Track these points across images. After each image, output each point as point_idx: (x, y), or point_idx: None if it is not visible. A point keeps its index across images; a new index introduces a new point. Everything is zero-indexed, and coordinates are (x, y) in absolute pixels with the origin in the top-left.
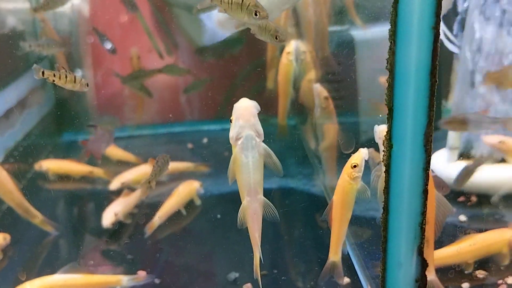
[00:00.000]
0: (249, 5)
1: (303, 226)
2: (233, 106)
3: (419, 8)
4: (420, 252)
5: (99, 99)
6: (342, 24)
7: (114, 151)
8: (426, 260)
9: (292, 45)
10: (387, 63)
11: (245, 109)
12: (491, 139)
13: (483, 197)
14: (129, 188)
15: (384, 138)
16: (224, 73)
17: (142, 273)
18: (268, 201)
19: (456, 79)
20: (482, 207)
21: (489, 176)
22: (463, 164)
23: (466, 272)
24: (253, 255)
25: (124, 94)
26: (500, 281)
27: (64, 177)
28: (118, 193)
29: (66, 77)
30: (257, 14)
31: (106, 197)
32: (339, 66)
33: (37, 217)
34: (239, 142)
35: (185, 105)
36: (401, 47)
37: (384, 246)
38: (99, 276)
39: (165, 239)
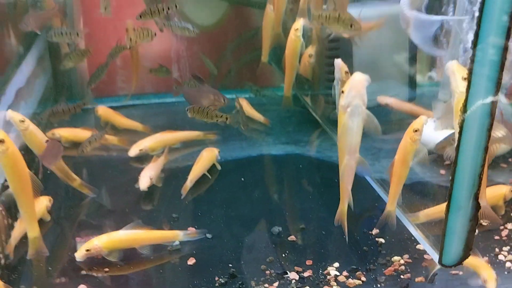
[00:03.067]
0: (345, 19)
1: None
2: (226, 76)
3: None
4: (476, 197)
5: (92, 70)
6: None
7: (121, 120)
8: (479, 204)
9: (300, 22)
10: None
11: (358, 82)
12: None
13: None
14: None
15: (461, 105)
16: (215, 45)
17: (193, 229)
18: (363, 158)
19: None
20: None
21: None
22: (447, 132)
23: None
24: (287, 212)
25: (117, 65)
26: (501, 227)
27: (78, 144)
28: (137, 159)
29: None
30: (352, 26)
31: (126, 163)
32: (338, 42)
33: (76, 180)
34: (349, 109)
35: (177, 77)
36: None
37: (450, 192)
38: (159, 232)
39: (199, 200)
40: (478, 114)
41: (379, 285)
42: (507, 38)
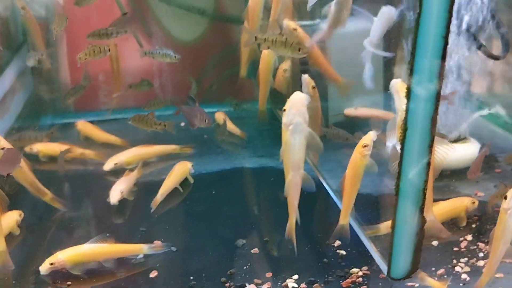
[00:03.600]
0: (292, 43)
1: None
2: (206, 92)
3: (435, 22)
4: (421, 211)
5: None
6: (313, 18)
7: (100, 134)
8: (425, 218)
9: None
10: (408, 64)
11: (298, 101)
12: None
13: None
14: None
15: (401, 122)
16: (197, 61)
17: (159, 242)
18: (308, 174)
19: None
20: (439, 180)
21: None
22: None
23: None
24: (253, 225)
25: (99, 79)
26: (461, 239)
27: (55, 159)
28: (112, 173)
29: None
30: (300, 50)
31: (102, 177)
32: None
33: (47, 195)
34: (291, 127)
35: (160, 91)
36: (420, 53)
37: (395, 207)
38: (124, 245)
39: (169, 213)
40: (418, 130)
41: None
42: (443, 59)
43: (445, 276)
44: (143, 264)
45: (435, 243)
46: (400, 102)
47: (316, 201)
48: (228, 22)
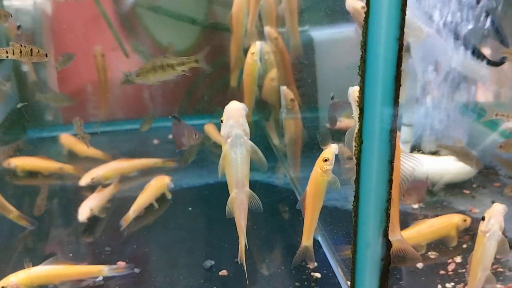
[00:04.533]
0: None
1: (272, 215)
2: (195, 103)
3: (386, 22)
4: (386, 234)
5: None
6: (302, 25)
7: (82, 148)
8: (390, 242)
9: (257, 46)
10: (359, 69)
11: (235, 111)
12: None
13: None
14: (102, 184)
15: (355, 135)
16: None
17: (121, 264)
18: (254, 193)
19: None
20: (432, 195)
21: (434, 167)
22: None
23: (419, 253)
24: (226, 245)
25: (86, 91)
26: (449, 260)
27: (33, 174)
28: (88, 188)
29: (20, 51)
30: None
31: (77, 192)
32: (300, 65)
33: (12, 212)
34: (229, 140)
35: (149, 102)
36: (370, 55)
37: (355, 229)
38: (81, 267)
39: (140, 231)
40: (376, 144)
41: None
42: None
43: None
44: (102, 287)
45: (419, 265)
46: (356, 111)
47: (295, 219)
48: (219, 30)
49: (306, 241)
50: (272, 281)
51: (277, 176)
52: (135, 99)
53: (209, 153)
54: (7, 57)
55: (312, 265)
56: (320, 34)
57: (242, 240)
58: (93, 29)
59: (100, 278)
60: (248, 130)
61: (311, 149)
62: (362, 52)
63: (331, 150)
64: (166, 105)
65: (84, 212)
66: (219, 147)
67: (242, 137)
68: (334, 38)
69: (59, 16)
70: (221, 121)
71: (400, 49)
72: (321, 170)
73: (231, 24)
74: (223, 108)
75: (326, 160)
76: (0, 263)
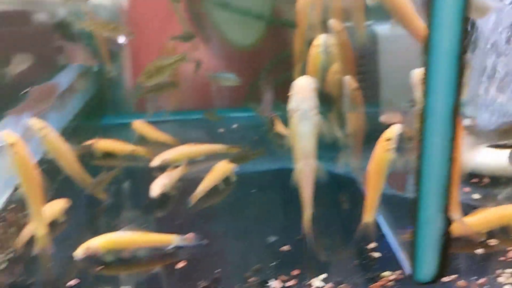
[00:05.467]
0: None
1: (334, 202)
2: (259, 96)
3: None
4: (446, 210)
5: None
6: (366, 19)
7: (153, 133)
8: (450, 218)
9: (321, 39)
10: (423, 50)
11: (304, 85)
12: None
13: (495, 179)
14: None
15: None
16: (252, 65)
17: (191, 235)
18: (319, 165)
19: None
20: (494, 187)
21: (499, 160)
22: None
23: (479, 241)
24: (288, 223)
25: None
26: (509, 248)
27: (108, 155)
28: (159, 169)
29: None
30: None
31: (148, 173)
32: (363, 59)
33: (92, 186)
34: (298, 113)
35: (215, 93)
36: (434, 37)
37: (416, 205)
38: (155, 235)
39: (206, 209)
40: (438, 121)
41: None
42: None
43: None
44: (172, 255)
45: (479, 251)
46: (419, 91)
47: (355, 202)
48: (284, 26)
49: (367, 218)
50: (332, 260)
51: (339, 166)
52: (202, 91)
53: (269, 144)
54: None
55: (372, 241)
56: (384, 29)
57: (307, 210)
58: (166, 22)
59: (171, 247)
60: (315, 104)
61: (371, 141)
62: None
63: (394, 129)
64: (231, 97)
65: (156, 188)
66: (281, 137)
67: (310, 110)
68: (398, 33)
69: (134, 9)
70: (290, 95)
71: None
72: (384, 148)
73: (296, 18)
74: (286, 100)
75: (388, 140)
76: (81, 230)
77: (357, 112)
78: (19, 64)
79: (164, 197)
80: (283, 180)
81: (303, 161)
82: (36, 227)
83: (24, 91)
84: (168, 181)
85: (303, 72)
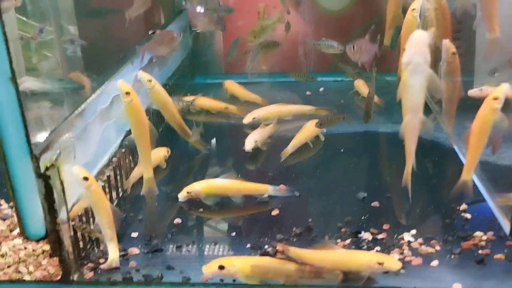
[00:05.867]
0: None
1: (429, 166)
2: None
3: None
4: None
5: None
6: None
7: (244, 93)
8: None
9: (418, 2)
10: None
11: (419, 39)
12: None
13: None
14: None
15: None
16: (341, 29)
17: (284, 186)
18: (427, 118)
19: None
20: None
21: None
22: None
23: None
24: (377, 182)
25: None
26: None
27: (203, 111)
28: (249, 126)
29: None
30: None
31: (240, 129)
32: (459, 25)
33: (192, 138)
34: (409, 67)
35: (303, 58)
36: None
37: None
38: (252, 184)
39: (297, 164)
40: None
41: (452, 256)
42: None
43: None
44: (266, 203)
45: None
46: None
47: (448, 165)
48: None
49: (466, 175)
50: (422, 217)
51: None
52: (291, 55)
53: (356, 107)
54: None
55: (468, 199)
56: None
57: (410, 163)
58: None
59: (266, 195)
60: (429, 59)
61: (465, 108)
62: None
63: (502, 89)
64: (318, 61)
65: (250, 142)
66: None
67: (422, 64)
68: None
69: None
70: (403, 48)
71: None
72: (490, 108)
73: None
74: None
75: (496, 99)
76: (183, 176)
77: (454, 78)
78: (139, 7)
79: (257, 152)
80: (370, 143)
81: (411, 114)
82: (144, 170)
83: (151, 31)
84: (260, 137)
85: (395, 38)
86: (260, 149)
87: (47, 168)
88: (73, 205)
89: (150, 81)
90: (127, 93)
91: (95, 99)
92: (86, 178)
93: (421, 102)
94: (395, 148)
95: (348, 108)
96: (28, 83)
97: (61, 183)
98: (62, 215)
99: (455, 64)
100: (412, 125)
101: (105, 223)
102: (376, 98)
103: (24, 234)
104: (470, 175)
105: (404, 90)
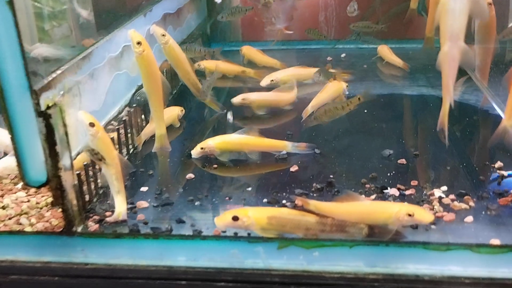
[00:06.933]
0: None
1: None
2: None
3: None
4: None
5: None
6: None
7: (261, 57)
8: None
9: None
10: None
11: None
12: None
13: None
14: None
15: None
16: None
17: (303, 144)
18: (468, 47)
19: None
20: None
21: None
22: None
23: None
24: (403, 140)
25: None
26: None
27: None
28: (267, 89)
29: None
30: None
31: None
32: None
33: (206, 97)
34: None
35: (324, 25)
36: None
37: None
38: (269, 140)
39: (318, 124)
40: None
41: (489, 212)
42: None
43: None
44: (285, 160)
45: None
46: None
47: (480, 126)
48: None
49: (508, 120)
50: (454, 174)
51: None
52: (312, 22)
53: (380, 73)
54: None
55: (510, 143)
56: None
57: (447, 101)
58: None
59: (284, 152)
60: None
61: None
62: None
63: None
64: (340, 28)
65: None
66: (391, 66)
67: None
68: None
69: None
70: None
71: None
72: None
73: None
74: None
75: None
76: (199, 134)
77: (488, 42)
78: None
79: (275, 113)
80: (394, 103)
81: (450, 42)
82: (156, 126)
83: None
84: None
85: (421, 1)
86: (280, 111)
87: (48, 107)
88: (78, 154)
89: (164, 35)
90: (139, 43)
91: (104, 45)
92: (92, 124)
93: (462, 28)
94: (421, 111)
95: (371, 72)
96: (40, 49)
97: (64, 126)
98: (65, 161)
99: (492, 15)
100: (451, 55)
101: (112, 174)
102: (401, 63)
103: (24, 180)
104: (511, 120)
105: (443, 15)
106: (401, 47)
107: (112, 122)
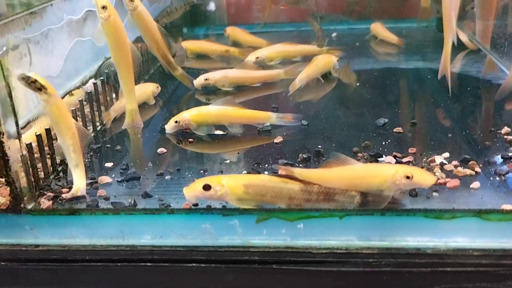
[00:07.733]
0: None
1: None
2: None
3: None
4: None
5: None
6: None
7: (247, 37)
8: None
9: None
10: None
11: None
12: None
13: None
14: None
15: None
16: None
17: (289, 115)
18: None
19: None
20: None
21: None
22: None
23: None
24: (399, 110)
25: None
26: None
27: (201, 56)
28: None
29: None
30: None
31: None
32: None
33: (177, 70)
34: None
35: (313, 7)
36: None
37: None
38: (250, 111)
39: (307, 99)
40: None
41: (497, 178)
42: None
43: None
44: (269, 133)
45: None
46: None
47: (481, 95)
48: None
49: None
50: (456, 141)
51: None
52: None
53: (372, 50)
54: None
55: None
56: None
57: (449, 39)
58: None
59: (268, 124)
60: None
61: None
62: None
63: None
64: (329, 9)
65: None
66: (385, 44)
67: None
68: None
69: None
70: None
71: None
72: None
73: None
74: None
75: None
76: (170, 113)
77: (488, 19)
78: None
79: (259, 88)
80: (388, 77)
81: None
82: (126, 101)
83: None
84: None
85: None
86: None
87: None
88: (29, 122)
89: (132, 1)
90: (104, 8)
91: (61, 5)
92: (43, 87)
93: None
94: (415, 80)
95: (364, 48)
96: None
97: (8, 86)
98: (9, 127)
99: (492, 5)
100: None
101: (69, 144)
102: (396, 39)
103: None
104: None
105: None
106: (395, 26)
107: (73, 92)
